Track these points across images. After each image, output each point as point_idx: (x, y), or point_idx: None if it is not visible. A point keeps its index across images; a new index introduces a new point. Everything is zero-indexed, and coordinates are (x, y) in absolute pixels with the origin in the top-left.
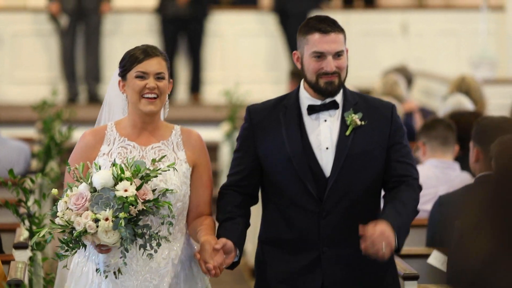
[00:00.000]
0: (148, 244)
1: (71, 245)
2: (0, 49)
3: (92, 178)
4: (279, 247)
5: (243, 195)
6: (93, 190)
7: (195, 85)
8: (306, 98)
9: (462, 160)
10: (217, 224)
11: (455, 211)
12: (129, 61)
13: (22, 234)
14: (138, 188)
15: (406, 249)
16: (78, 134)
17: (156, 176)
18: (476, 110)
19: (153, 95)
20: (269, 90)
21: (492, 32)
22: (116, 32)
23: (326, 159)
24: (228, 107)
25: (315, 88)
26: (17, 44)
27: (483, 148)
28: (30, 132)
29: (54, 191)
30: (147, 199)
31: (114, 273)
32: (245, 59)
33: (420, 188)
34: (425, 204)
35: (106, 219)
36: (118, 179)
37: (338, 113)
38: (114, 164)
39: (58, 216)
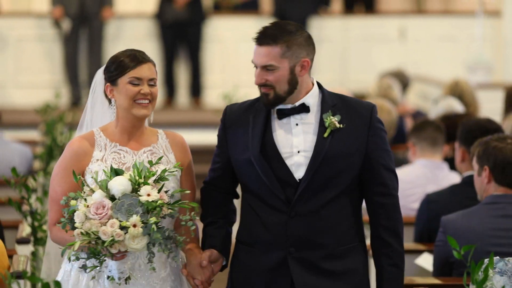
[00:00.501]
0: (166, 247)
1: (99, 256)
2: (4, 53)
3: (108, 185)
4: (251, 246)
5: (222, 194)
6: (111, 197)
7: (196, 89)
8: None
9: (452, 160)
10: (201, 225)
11: (441, 208)
12: (120, 67)
13: (25, 230)
14: (158, 191)
15: None
16: None
17: (167, 179)
18: (468, 113)
19: (146, 101)
20: None
21: (488, 37)
22: (118, 37)
23: (297, 162)
24: None
25: None
26: (21, 49)
27: (468, 148)
28: (33, 134)
29: (73, 202)
30: (166, 202)
31: (126, 279)
32: (246, 63)
33: (397, 196)
34: (414, 203)
35: (134, 226)
36: (136, 184)
37: (313, 116)
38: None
39: (77, 228)
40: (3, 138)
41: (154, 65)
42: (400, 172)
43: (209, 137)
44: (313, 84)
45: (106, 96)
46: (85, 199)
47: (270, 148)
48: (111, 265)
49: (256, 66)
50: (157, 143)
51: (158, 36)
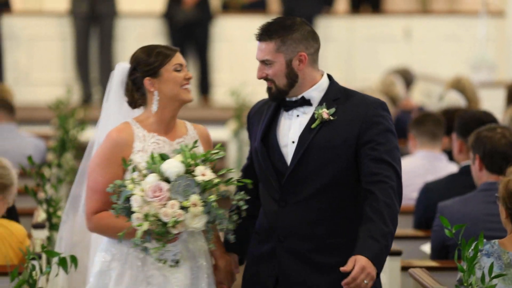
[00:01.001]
0: (226, 223)
1: (166, 237)
2: (17, 51)
3: (162, 169)
4: (257, 234)
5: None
6: (165, 179)
7: (204, 87)
8: None
9: (451, 151)
10: None
11: (439, 197)
12: (161, 57)
13: (40, 216)
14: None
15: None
16: (91, 132)
17: (215, 160)
18: (469, 107)
19: (189, 85)
20: None
21: (492, 37)
22: (127, 36)
23: (291, 152)
24: (235, 106)
25: None
26: (33, 47)
27: (465, 140)
28: (45, 129)
29: (131, 186)
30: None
31: (176, 262)
32: (253, 62)
33: (392, 184)
34: (414, 192)
35: (194, 205)
36: (188, 166)
37: (313, 109)
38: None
39: (135, 212)
40: (17, 131)
41: None
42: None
43: (218, 134)
44: (322, 78)
45: (131, 93)
46: (139, 184)
47: (272, 137)
48: (164, 249)
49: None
50: (187, 134)
51: (167, 35)
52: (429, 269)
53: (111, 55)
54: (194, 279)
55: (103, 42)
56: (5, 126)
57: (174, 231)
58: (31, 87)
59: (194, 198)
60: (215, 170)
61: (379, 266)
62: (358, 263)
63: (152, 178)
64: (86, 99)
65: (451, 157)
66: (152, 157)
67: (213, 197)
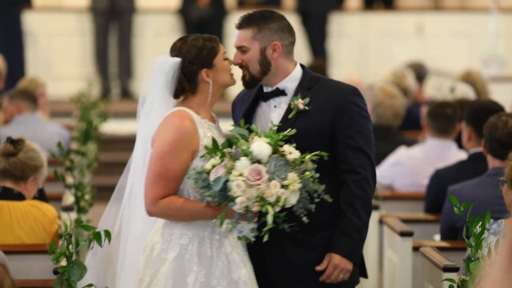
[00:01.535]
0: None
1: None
2: (37, 47)
3: (253, 152)
4: None
5: None
6: (256, 161)
7: None
8: (264, 86)
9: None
10: None
11: (449, 182)
12: (212, 49)
13: (68, 199)
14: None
15: (406, 215)
16: (111, 126)
17: (290, 141)
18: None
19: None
20: None
21: (502, 33)
22: (144, 32)
23: None
24: None
25: None
26: (53, 42)
27: (474, 128)
28: (67, 121)
29: (209, 164)
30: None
31: (255, 237)
32: None
33: (365, 175)
34: (424, 179)
35: (292, 183)
36: (274, 146)
37: (289, 99)
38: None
39: (238, 196)
40: (42, 121)
41: None
42: (412, 151)
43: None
44: (295, 68)
45: (182, 84)
46: (231, 169)
47: (249, 129)
48: (242, 226)
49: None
50: (215, 118)
51: (182, 31)
52: (439, 249)
53: (130, 50)
54: None
55: (122, 37)
56: (30, 116)
57: (277, 209)
58: (51, 81)
59: (292, 176)
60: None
61: (354, 259)
62: (331, 262)
63: (246, 162)
64: (105, 93)
65: (460, 145)
66: (214, 142)
67: (308, 174)
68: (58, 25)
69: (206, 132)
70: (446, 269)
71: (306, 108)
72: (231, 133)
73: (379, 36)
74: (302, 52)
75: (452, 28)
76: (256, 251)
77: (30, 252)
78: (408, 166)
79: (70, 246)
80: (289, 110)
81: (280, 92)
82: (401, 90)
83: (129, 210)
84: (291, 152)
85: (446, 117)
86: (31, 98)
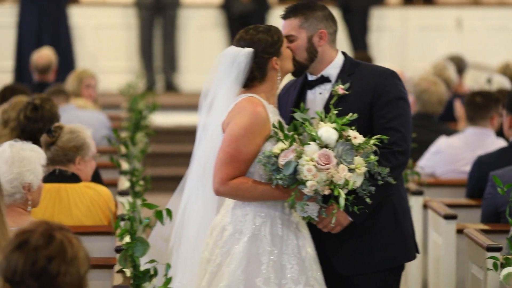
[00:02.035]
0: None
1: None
2: (82, 41)
3: (322, 137)
4: None
5: None
6: (324, 146)
7: None
8: (308, 75)
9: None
10: None
11: (491, 168)
12: (279, 38)
13: (124, 184)
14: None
15: (449, 200)
16: (156, 118)
17: (352, 125)
18: None
19: None
20: None
21: None
22: (187, 26)
23: None
24: None
25: None
26: (99, 36)
27: None
28: (115, 112)
29: (277, 148)
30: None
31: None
32: None
33: (394, 150)
34: (464, 166)
35: (359, 167)
36: (339, 131)
37: (331, 85)
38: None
39: (308, 180)
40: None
41: None
42: (451, 140)
43: None
44: (337, 55)
45: (253, 73)
46: (301, 153)
47: None
48: (308, 207)
49: None
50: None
51: (225, 25)
52: (483, 231)
53: (174, 44)
54: None
55: (167, 31)
56: (65, 107)
57: (344, 192)
58: (98, 74)
59: (358, 160)
60: None
61: (354, 217)
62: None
63: (315, 147)
64: (150, 87)
65: (498, 134)
66: (280, 125)
67: (373, 158)
68: (104, 20)
69: (274, 118)
70: (490, 248)
71: (346, 92)
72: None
73: (419, 30)
74: (343, 46)
75: (491, 23)
76: (315, 232)
77: (90, 233)
78: (448, 154)
79: (134, 223)
80: (331, 96)
81: (325, 79)
82: (443, 81)
83: (197, 194)
84: (356, 136)
85: (475, 106)
86: (60, 92)
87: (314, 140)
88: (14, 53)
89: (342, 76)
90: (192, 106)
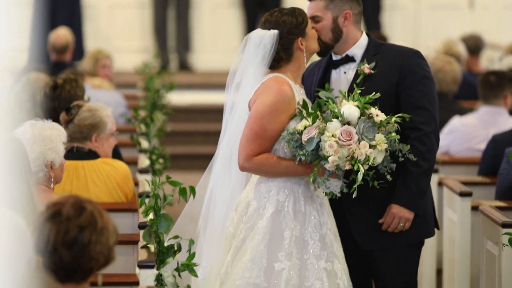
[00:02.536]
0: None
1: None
2: (96, 21)
3: (344, 114)
4: None
5: None
6: (346, 123)
7: None
8: (333, 55)
9: None
10: None
11: (505, 146)
12: (304, 19)
13: (143, 163)
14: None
15: (464, 177)
16: (173, 97)
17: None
18: None
19: None
20: None
21: None
22: (202, 5)
23: None
24: None
25: None
26: (113, 15)
27: None
28: (130, 91)
29: (301, 126)
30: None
31: (340, 193)
32: None
33: (426, 131)
34: (478, 144)
35: (380, 144)
36: (361, 109)
37: (356, 65)
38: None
39: (330, 156)
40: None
41: None
42: (465, 118)
43: None
44: (362, 36)
45: (279, 54)
46: (324, 130)
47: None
48: (330, 183)
49: None
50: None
51: (240, 5)
52: (498, 208)
53: (188, 23)
54: None
55: (180, 10)
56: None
57: (365, 167)
58: (111, 54)
59: (379, 137)
60: None
61: (414, 208)
62: (390, 211)
63: (337, 124)
64: (164, 66)
65: (511, 113)
66: (305, 104)
67: (394, 135)
68: None
69: (299, 97)
70: (505, 225)
71: (372, 72)
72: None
73: (432, 9)
74: None
75: (503, 1)
76: (337, 209)
77: (112, 210)
78: (462, 133)
79: (158, 200)
80: (357, 75)
81: (350, 59)
82: (453, 57)
83: (224, 175)
84: (378, 114)
85: (489, 85)
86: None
87: (337, 117)
88: (29, 32)
89: (368, 55)
90: (205, 85)
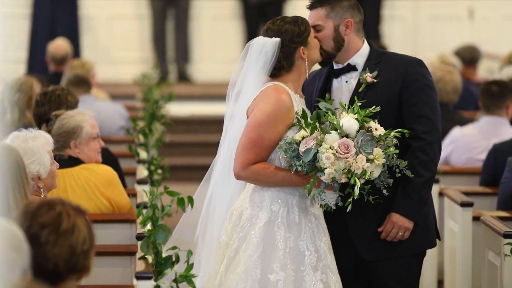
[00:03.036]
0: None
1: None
2: (96, 32)
3: (343, 127)
4: None
5: None
6: (344, 135)
7: None
8: (334, 63)
9: None
10: None
11: (506, 156)
12: (307, 28)
13: (141, 173)
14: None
15: (465, 188)
16: (172, 108)
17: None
18: None
19: None
20: None
21: None
22: (201, 16)
23: None
24: None
25: None
26: (111, 27)
27: None
28: (128, 103)
29: (299, 136)
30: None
31: (335, 205)
32: None
33: (429, 140)
34: (479, 154)
35: (377, 158)
36: (361, 122)
37: (358, 74)
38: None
39: (326, 168)
40: (97, 102)
41: None
42: (466, 129)
43: None
44: (363, 44)
45: (280, 63)
46: (322, 141)
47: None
48: (326, 195)
49: None
50: (303, 96)
51: (241, 15)
52: (499, 218)
53: (187, 34)
54: None
55: (179, 21)
56: (86, 98)
57: (362, 181)
58: (110, 65)
59: (377, 151)
60: None
61: (414, 218)
62: (390, 220)
63: (335, 136)
64: (163, 77)
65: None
66: (304, 114)
67: (392, 150)
68: (117, 10)
69: (299, 107)
70: (507, 235)
71: (375, 80)
72: None
73: (431, 20)
74: None
75: (503, 12)
76: (338, 217)
77: (109, 221)
78: (463, 143)
79: (156, 211)
80: (359, 84)
81: (351, 68)
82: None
83: (223, 184)
84: (377, 128)
85: (491, 94)
86: (86, 82)
87: (335, 129)
88: (28, 43)
89: (369, 64)
90: (204, 96)
